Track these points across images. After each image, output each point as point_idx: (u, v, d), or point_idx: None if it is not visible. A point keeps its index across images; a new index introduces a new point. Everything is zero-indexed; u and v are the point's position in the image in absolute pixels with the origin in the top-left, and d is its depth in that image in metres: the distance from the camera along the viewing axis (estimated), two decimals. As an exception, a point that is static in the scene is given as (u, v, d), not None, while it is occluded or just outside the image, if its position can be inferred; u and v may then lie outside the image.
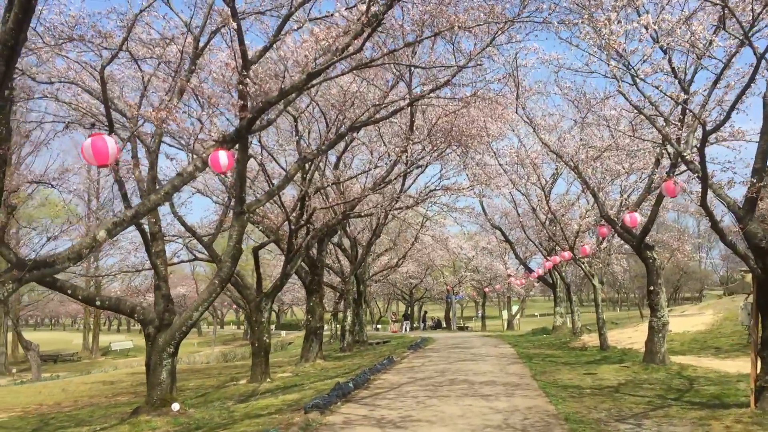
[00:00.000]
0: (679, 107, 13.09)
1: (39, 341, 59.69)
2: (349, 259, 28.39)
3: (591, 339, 22.59)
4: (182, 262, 18.29)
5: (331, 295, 40.04)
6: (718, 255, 68.72)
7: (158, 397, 11.28)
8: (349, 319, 27.09)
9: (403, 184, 22.47)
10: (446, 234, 37.41)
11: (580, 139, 15.14)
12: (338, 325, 32.89)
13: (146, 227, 12.01)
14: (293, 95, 8.85)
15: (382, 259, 38.02)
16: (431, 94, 12.69)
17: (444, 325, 51.77)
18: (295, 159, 20.23)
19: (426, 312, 58.44)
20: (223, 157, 7.84)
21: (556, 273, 27.70)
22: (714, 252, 70.53)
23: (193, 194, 20.33)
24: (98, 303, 11.51)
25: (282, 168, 20.67)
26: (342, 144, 22.76)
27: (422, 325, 52.53)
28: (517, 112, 15.26)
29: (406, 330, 49.04)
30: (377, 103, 12.93)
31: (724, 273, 73.34)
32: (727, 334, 18.27)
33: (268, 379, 16.46)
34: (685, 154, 9.09)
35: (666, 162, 14.99)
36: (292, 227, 16.06)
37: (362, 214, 21.68)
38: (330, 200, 18.12)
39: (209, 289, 11.50)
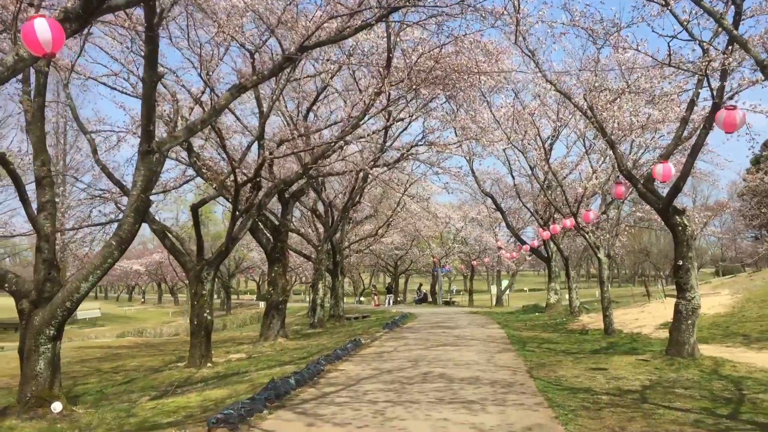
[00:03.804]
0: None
1: (10, 308, 56.95)
2: (324, 225, 25.59)
3: (591, 320, 19.93)
4: (101, 224, 15.28)
5: (308, 266, 37.36)
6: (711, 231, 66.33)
7: (33, 395, 8.46)
8: (321, 291, 24.29)
9: (384, 140, 19.60)
10: (432, 200, 34.64)
11: (595, 74, 12.21)
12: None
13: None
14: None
15: (365, 227, 35.21)
16: (408, 4, 9.74)
17: (430, 299, 49.14)
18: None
19: (421, 284, 55.86)
20: (42, 27, 4.76)
21: (553, 245, 24.93)
22: (707, 227, 68.05)
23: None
24: (-45, 268, 8.64)
25: (235, 116, 17.78)
26: (310, 91, 19.89)
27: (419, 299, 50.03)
28: (516, 43, 12.29)
29: (389, 304, 46.53)
30: (338, 14, 9.89)
31: (718, 250, 71.15)
32: (753, 318, 15.62)
33: (209, 364, 13.75)
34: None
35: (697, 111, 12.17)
36: (238, 180, 13.15)
37: (333, 172, 18.79)
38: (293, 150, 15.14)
39: (104, 252, 8.61)
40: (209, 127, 14.97)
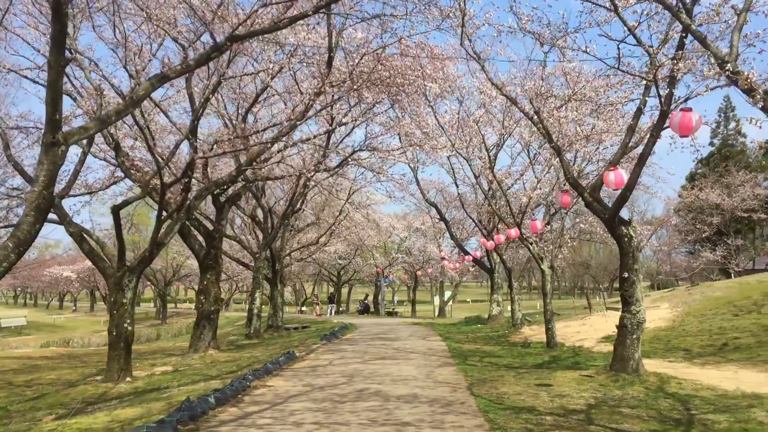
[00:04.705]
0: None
1: None
2: (263, 232, 24.69)
3: (533, 332, 19.62)
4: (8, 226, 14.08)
5: (249, 274, 36.21)
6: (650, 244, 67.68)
7: None
8: (258, 301, 23.35)
9: (327, 144, 18.95)
10: (375, 209, 34.14)
11: (542, 78, 11.84)
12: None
13: None
14: None
15: (307, 235, 34.34)
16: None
17: (372, 309, 48.43)
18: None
19: (367, 295, 54.97)
20: None
21: (496, 256, 24.64)
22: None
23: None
24: None
25: (166, 115, 16.77)
26: (251, 93, 19.06)
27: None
28: (462, 45, 11.82)
29: (331, 314, 45.62)
30: (271, 2, 9.19)
31: (653, 264, 72.77)
32: (693, 332, 15.51)
33: (128, 378, 12.71)
34: (728, 61, 5.76)
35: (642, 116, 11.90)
36: (165, 181, 12.22)
37: (271, 176, 17.96)
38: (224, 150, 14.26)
39: (-3, 255, 7.61)
40: (138, 126, 14.05)
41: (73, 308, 75.56)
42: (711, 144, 48.12)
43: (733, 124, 46.84)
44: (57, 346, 33.36)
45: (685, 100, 8.60)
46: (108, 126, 10.15)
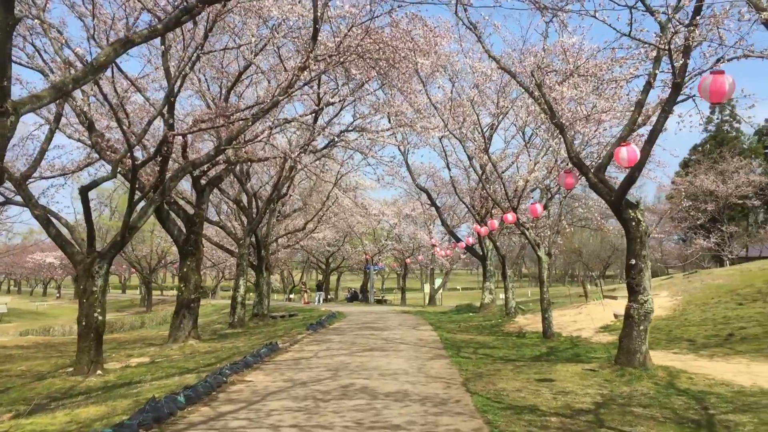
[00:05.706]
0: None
1: None
2: (248, 217, 23.85)
3: (528, 321, 18.94)
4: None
5: (234, 261, 35.40)
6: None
7: None
8: (242, 288, 22.54)
9: (314, 125, 18.11)
10: (365, 195, 33.33)
11: (543, 48, 11.02)
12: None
13: None
14: None
15: (295, 221, 33.48)
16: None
17: (361, 297, 47.67)
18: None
19: (363, 284, 54.01)
20: None
21: (489, 242, 23.89)
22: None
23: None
24: None
25: (142, 95, 15.74)
26: (235, 72, 18.16)
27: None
28: (456, 13, 10.95)
29: (319, 301, 44.84)
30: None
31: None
32: (696, 322, 14.85)
33: (99, 372, 11.88)
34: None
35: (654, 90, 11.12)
36: (136, 161, 11.34)
37: (254, 158, 17.08)
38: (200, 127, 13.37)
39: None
40: (108, 103, 13.13)
41: (57, 295, 74.35)
42: (705, 130, 47.58)
43: (728, 110, 46.22)
44: (36, 334, 32.42)
45: (718, 61, 7.79)
46: (64, 94, 9.22)
